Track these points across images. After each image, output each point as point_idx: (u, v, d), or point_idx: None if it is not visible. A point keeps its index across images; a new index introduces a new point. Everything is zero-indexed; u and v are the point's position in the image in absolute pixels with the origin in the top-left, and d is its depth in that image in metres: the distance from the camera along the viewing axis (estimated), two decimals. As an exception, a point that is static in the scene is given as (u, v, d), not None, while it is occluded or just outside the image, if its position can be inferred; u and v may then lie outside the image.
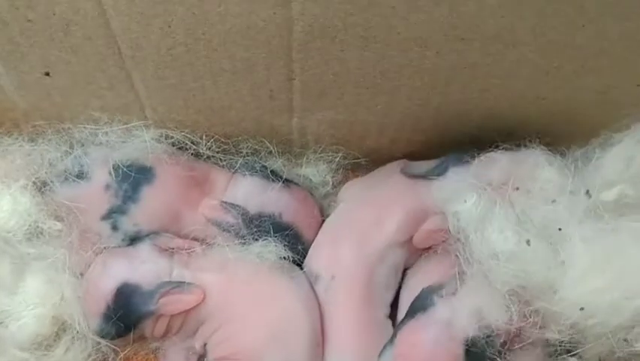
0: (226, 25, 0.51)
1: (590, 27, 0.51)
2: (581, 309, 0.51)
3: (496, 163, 0.58)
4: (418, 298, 0.57)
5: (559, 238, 0.53)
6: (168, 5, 0.50)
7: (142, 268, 0.59)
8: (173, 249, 0.61)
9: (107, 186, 0.61)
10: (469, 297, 0.55)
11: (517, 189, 0.56)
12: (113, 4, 0.50)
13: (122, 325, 0.58)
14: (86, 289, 0.59)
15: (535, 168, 0.57)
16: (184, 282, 0.58)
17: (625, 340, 0.51)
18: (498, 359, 0.53)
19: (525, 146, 0.59)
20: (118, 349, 0.61)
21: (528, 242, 0.53)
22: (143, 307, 0.57)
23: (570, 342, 0.54)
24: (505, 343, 0.54)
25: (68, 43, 0.53)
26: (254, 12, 0.50)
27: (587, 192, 0.55)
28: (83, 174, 0.61)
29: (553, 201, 0.55)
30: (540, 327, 0.53)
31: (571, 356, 0.55)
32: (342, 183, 0.70)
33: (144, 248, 0.60)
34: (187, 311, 0.59)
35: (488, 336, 0.53)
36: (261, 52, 0.54)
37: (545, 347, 0.56)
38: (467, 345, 0.53)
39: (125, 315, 0.58)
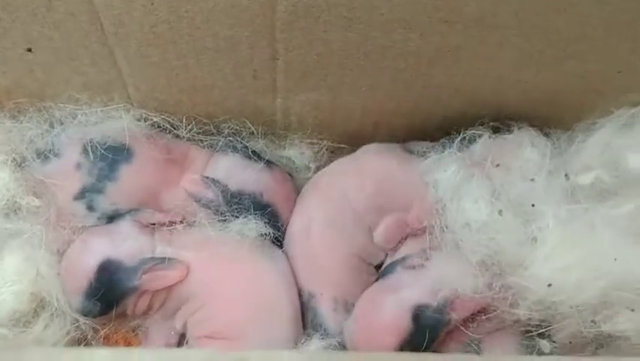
0: (209, 2, 0.51)
1: (572, 11, 0.51)
2: (549, 285, 0.52)
3: (480, 139, 0.59)
4: (386, 267, 0.61)
5: (532, 215, 0.54)
6: (151, -19, 0.50)
7: (124, 244, 0.59)
8: (154, 225, 0.61)
9: (78, 165, 0.60)
10: (434, 268, 0.57)
11: (498, 165, 0.57)
12: (96, -21, 0.50)
13: (104, 302, 0.58)
14: (67, 268, 0.59)
15: (518, 148, 0.58)
16: (167, 258, 0.58)
17: (593, 321, 0.52)
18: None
19: (511, 126, 0.60)
20: (98, 327, 0.61)
21: (500, 212, 0.54)
22: (127, 283, 0.57)
23: (540, 324, 0.55)
24: (473, 316, 0.56)
25: (51, 18, 0.53)
26: (237, -10, 0.50)
27: (566, 175, 0.56)
28: (53, 152, 0.61)
29: (532, 179, 0.56)
30: (510, 304, 0.54)
31: (542, 337, 0.56)
32: (323, 167, 0.70)
33: (125, 225, 0.60)
34: (169, 288, 0.59)
35: (442, 305, 0.55)
36: (244, 31, 0.54)
37: (517, 328, 0.57)
38: (416, 311, 0.55)
39: (108, 292, 0.57)
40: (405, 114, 0.64)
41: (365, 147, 0.66)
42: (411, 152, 0.64)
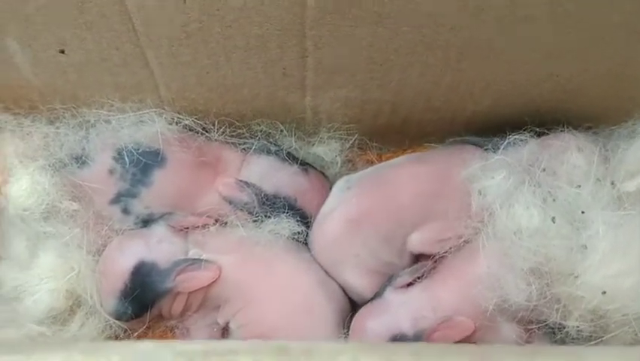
0: (240, 0, 0.51)
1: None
2: (603, 293, 0.51)
3: (526, 144, 0.59)
4: (380, 287, 0.60)
5: (582, 222, 0.54)
6: (183, -19, 0.50)
7: (158, 247, 0.60)
8: (187, 228, 0.62)
9: (111, 171, 0.62)
10: (425, 288, 0.58)
11: (544, 170, 0.57)
12: (128, -20, 0.50)
13: (139, 303, 0.59)
14: (103, 270, 0.60)
15: (564, 153, 0.58)
16: (200, 259, 0.59)
17: None
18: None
19: (555, 129, 0.60)
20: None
21: (553, 219, 0.53)
22: (161, 285, 0.58)
23: (591, 335, 0.54)
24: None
25: (83, 20, 0.54)
26: (268, -13, 0.50)
27: (612, 182, 0.56)
28: (88, 158, 0.62)
29: (579, 186, 0.56)
30: (561, 315, 0.54)
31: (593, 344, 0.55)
32: (351, 162, 0.70)
33: (159, 229, 0.61)
34: (205, 289, 0.60)
35: (418, 337, 0.56)
36: (274, 28, 0.54)
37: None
38: (393, 340, 0.56)
39: (143, 293, 0.58)
40: (435, 109, 0.64)
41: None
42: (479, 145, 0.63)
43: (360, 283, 0.62)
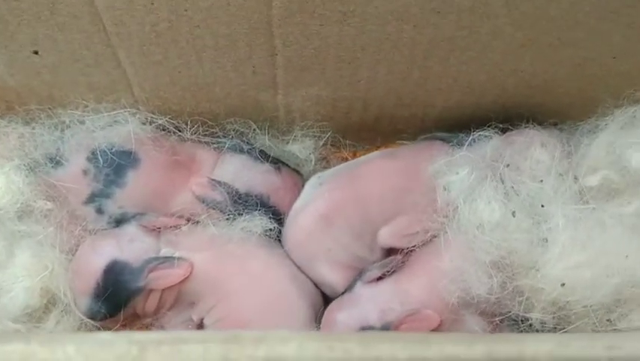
0: (207, 1, 0.52)
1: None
2: (562, 285, 0.52)
3: (490, 140, 0.60)
4: (351, 281, 0.61)
5: (542, 215, 0.55)
6: (150, -18, 0.51)
7: (129, 246, 0.60)
8: (159, 228, 0.62)
9: (85, 172, 0.62)
10: (395, 282, 0.59)
11: (508, 165, 0.57)
12: (96, -18, 0.51)
13: (112, 303, 0.59)
14: (75, 269, 0.60)
15: (528, 148, 0.58)
16: (172, 257, 0.60)
17: (608, 320, 0.52)
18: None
19: (520, 125, 0.61)
20: (108, 325, 0.62)
21: (513, 213, 0.54)
22: (133, 283, 0.59)
23: (555, 327, 0.55)
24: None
25: (55, 21, 0.55)
26: (233, -13, 0.51)
27: (575, 177, 0.57)
28: (62, 158, 0.62)
29: (541, 180, 0.56)
30: (524, 308, 0.55)
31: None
32: (325, 159, 0.71)
33: (130, 228, 0.62)
34: (178, 286, 0.60)
35: (384, 329, 0.57)
36: (242, 27, 0.55)
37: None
38: (363, 331, 0.57)
39: (116, 292, 0.59)
40: (405, 106, 0.65)
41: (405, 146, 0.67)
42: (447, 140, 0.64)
43: (332, 277, 0.63)
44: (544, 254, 0.54)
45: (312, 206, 0.64)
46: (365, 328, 0.57)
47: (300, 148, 0.70)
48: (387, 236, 0.63)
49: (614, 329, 0.53)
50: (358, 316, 0.58)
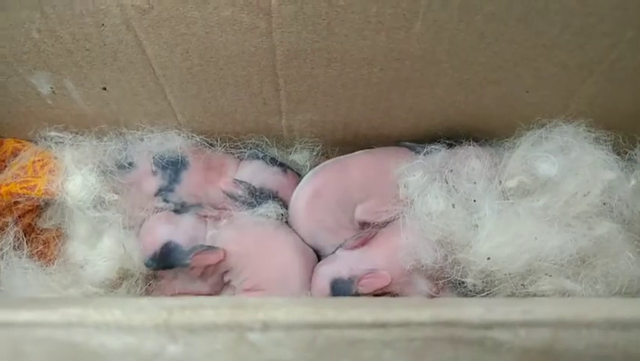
0: (227, 50, 0.50)
1: (489, 49, 0.49)
2: (488, 259, 0.50)
3: (439, 152, 0.58)
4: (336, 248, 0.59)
5: (474, 208, 0.53)
6: (185, 37, 0.48)
7: (184, 231, 0.58)
8: (207, 217, 0.60)
9: (154, 172, 0.60)
10: (366, 250, 0.57)
11: (451, 171, 0.56)
12: (146, 37, 0.48)
13: (164, 266, 0.57)
14: (142, 236, 0.58)
15: (466, 159, 0.56)
16: (212, 246, 0.57)
17: (522, 285, 0.51)
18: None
19: (461, 141, 0.59)
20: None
21: (453, 205, 0.52)
22: (180, 261, 0.57)
23: (483, 289, 0.53)
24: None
25: (117, 66, 0.52)
26: (247, 40, 0.48)
27: (499, 181, 0.55)
28: (132, 164, 0.60)
29: (474, 182, 0.55)
30: (460, 274, 0.53)
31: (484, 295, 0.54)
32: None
33: (188, 217, 0.59)
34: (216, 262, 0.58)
35: (351, 280, 0.55)
36: (254, 70, 0.52)
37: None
38: (333, 282, 0.56)
39: (167, 261, 0.57)
40: (375, 127, 0.62)
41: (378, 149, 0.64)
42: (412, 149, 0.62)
43: (326, 242, 0.61)
44: (475, 236, 0.52)
45: (308, 185, 0.61)
46: (336, 278, 0.56)
47: (299, 157, 0.67)
48: (361, 212, 0.60)
49: (527, 292, 0.51)
50: (333, 270, 0.57)
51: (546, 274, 0.51)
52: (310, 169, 0.66)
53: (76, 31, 0.48)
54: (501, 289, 0.52)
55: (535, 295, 0.52)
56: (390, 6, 0.45)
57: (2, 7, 0.46)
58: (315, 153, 0.67)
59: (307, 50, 0.49)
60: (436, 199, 0.53)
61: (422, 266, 0.53)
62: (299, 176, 0.66)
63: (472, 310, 0.31)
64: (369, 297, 0.55)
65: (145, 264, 0.57)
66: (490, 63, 0.51)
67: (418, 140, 0.62)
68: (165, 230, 0.57)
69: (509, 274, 0.51)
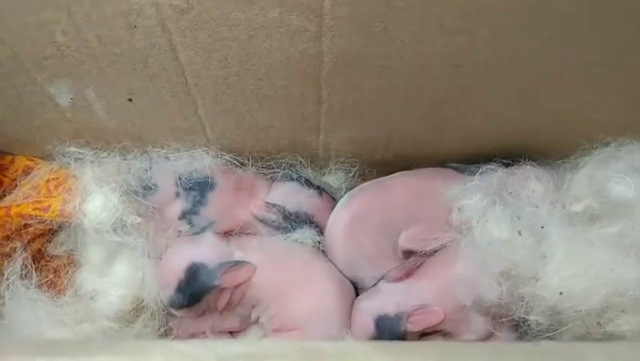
0: (271, 57, 0.45)
1: (555, 54, 0.44)
2: (561, 293, 0.45)
3: (496, 173, 0.52)
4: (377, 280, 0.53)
5: (541, 235, 0.47)
6: (225, 41, 0.44)
7: (206, 251, 0.52)
8: (230, 233, 0.54)
9: (177, 194, 0.55)
10: (405, 285, 0.51)
11: (510, 193, 0.50)
12: (181, 40, 0.44)
13: (191, 296, 0.51)
14: (162, 268, 0.52)
15: (525, 180, 0.51)
16: (240, 261, 0.52)
17: (598, 323, 0.45)
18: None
19: (518, 161, 0.54)
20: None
21: (520, 233, 0.47)
22: (209, 282, 0.50)
23: (548, 328, 0.47)
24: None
25: (147, 73, 0.47)
26: (293, 46, 0.44)
27: (563, 205, 0.50)
28: (154, 185, 0.54)
29: (536, 206, 0.49)
30: (525, 311, 0.47)
31: (548, 337, 0.48)
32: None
33: (207, 236, 0.54)
34: (244, 288, 0.52)
35: (399, 317, 0.49)
36: (297, 80, 0.47)
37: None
38: (377, 320, 0.50)
39: (194, 288, 0.50)
40: (419, 146, 0.57)
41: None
42: (459, 170, 0.56)
43: (366, 272, 0.54)
44: (544, 267, 0.46)
45: (346, 209, 0.56)
46: (382, 315, 0.50)
47: (333, 179, 0.62)
48: (406, 239, 0.54)
49: (604, 332, 0.45)
50: (377, 305, 0.51)
51: (623, 311, 0.45)
52: (346, 192, 0.60)
53: (105, 33, 0.43)
54: (571, 328, 0.47)
55: (612, 335, 0.45)
56: (454, 7, 0.40)
57: (24, 6, 0.42)
58: (350, 175, 0.61)
59: (358, 56, 0.44)
60: (499, 225, 0.47)
61: (484, 302, 0.47)
62: (334, 200, 0.60)
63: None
64: (476, 342, 0.49)
65: (169, 303, 0.51)
66: (554, 71, 0.46)
67: (463, 161, 0.56)
68: (185, 253, 0.52)
69: (583, 311, 0.45)
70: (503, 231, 0.47)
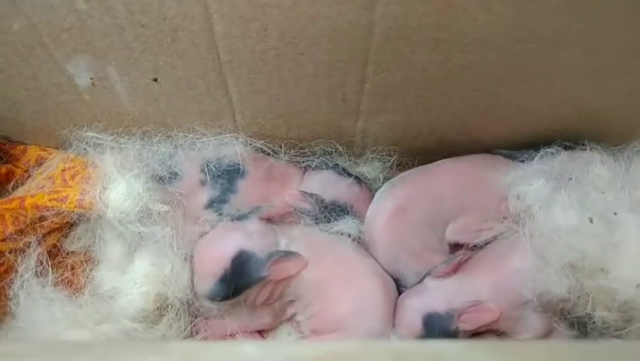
0: (315, 27, 0.40)
1: (635, 30, 0.39)
2: (637, 286, 0.40)
3: (557, 157, 0.48)
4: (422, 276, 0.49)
5: (614, 223, 0.43)
6: (266, 8, 0.39)
7: (255, 238, 0.47)
8: (274, 218, 0.50)
9: (202, 182, 0.50)
10: (454, 280, 0.47)
11: (572, 179, 0.46)
12: (218, 8, 0.39)
13: (234, 287, 0.46)
14: (202, 255, 0.47)
15: (589, 164, 0.47)
16: (292, 251, 0.47)
17: None
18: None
19: (578, 144, 0.49)
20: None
21: (591, 220, 0.42)
22: (256, 273, 0.45)
23: (616, 325, 0.42)
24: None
25: (175, 48, 0.42)
26: (341, 14, 0.39)
27: (629, 191, 0.45)
28: (178, 172, 0.50)
29: (603, 192, 0.45)
30: (591, 306, 0.42)
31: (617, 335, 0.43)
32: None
33: (252, 222, 0.48)
34: (287, 282, 0.47)
35: (448, 315, 0.45)
36: (341, 54, 0.43)
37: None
38: (425, 318, 0.46)
39: (240, 279, 0.46)
40: (467, 132, 0.52)
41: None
42: (509, 157, 0.52)
43: (411, 267, 0.50)
44: (616, 258, 0.42)
45: (388, 199, 0.51)
46: (431, 313, 0.46)
47: (369, 169, 0.57)
48: (454, 231, 0.50)
49: None
50: (425, 302, 0.46)
51: None
52: (382, 183, 0.55)
53: (133, 0, 0.38)
54: (640, 328, 0.42)
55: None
56: (526, -31, 0.36)
57: (43, -30, 0.37)
58: (388, 165, 0.57)
59: (414, 27, 0.39)
60: (566, 212, 0.43)
61: (549, 296, 0.42)
62: (370, 191, 0.55)
63: None
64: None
65: (209, 295, 0.46)
66: (630, 49, 0.41)
67: (513, 149, 0.52)
68: (231, 239, 0.47)
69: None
70: (571, 218, 0.42)
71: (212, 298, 0.46)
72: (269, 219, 0.49)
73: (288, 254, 0.46)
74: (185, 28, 0.40)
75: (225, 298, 0.46)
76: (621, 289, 0.41)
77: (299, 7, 0.38)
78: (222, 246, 0.46)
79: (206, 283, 0.46)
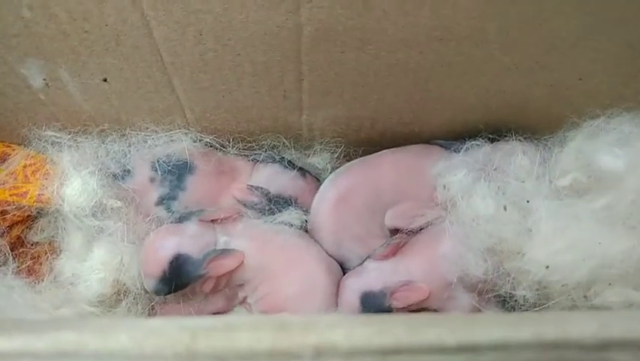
0: (247, 31, 0.43)
1: (546, 25, 0.42)
2: (547, 267, 0.43)
3: (481, 148, 0.51)
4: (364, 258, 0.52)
5: (527, 210, 0.46)
6: (199, 14, 0.41)
7: (191, 241, 0.50)
8: (215, 220, 0.52)
9: (152, 179, 0.53)
10: (397, 261, 0.50)
11: (496, 169, 0.49)
12: (154, 15, 0.41)
13: (175, 286, 0.49)
14: (145, 258, 0.50)
15: (511, 155, 0.49)
16: (227, 249, 0.50)
17: (585, 296, 0.44)
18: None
19: (504, 136, 0.52)
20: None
21: (505, 208, 0.45)
22: (194, 273, 0.49)
23: (536, 303, 0.46)
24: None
25: (120, 51, 0.45)
26: (270, 18, 0.42)
27: (550, 179, 0.48)
28: (127, 172, 0.53)
29: (523, 181, 0.48)
30: (511, 286, 0.46)
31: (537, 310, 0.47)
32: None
33: (191, 224, 0.51)
34: (231, 272, 0.50)
35: (382, 293, 0.48)
36: (276, 55, 0.45)
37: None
38: (363, 296, 0.49)
39: (179, 279, 0.49)
40: (406, 124, 0.55)
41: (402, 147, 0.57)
42: (445, 147, 0.55)
43: (353, 252, 0.53)
44: (529, 241, 0.45)
45: (332, 188, 0.54)
46: (367, 292, 0.49)
47: (318, 160, 0.60)
48: (391, 217, 0.53)
49: (591, 305, 0.44)
50: (363, 282, 0.50)
51: (610, 284, 0.44)
52: (330, 173, 0.58)
53: (74, 8, 0.41)
54: (559, 303, 0.45)
55: (600, 308, 0.44)
56: (437, -25, 0.38)
57: (-13, -19, 0.39)
58: (336, 156, 0.59)
59: (339, 29, 0.42)
60: (484, 201, 0.46)
61: (471, 278, 0.46)
62: (318, 181, 0.58)
63: (584, 326, 0.24)
64: (451, 313, 0.47)
65: (154, 292, 0.49)
66: (545, 44, 0.44)
67: (451, 139, 0.55)
68: (169, 243, 0.50)
69: (569, 285, 0.44)
70: (488, 206, 0.45)
71: (157, 293, 0.49)
72: (211, 221, 0.52)
73: (224, 252, 0.49)
74: (127, 34, 0.43)
75: (168, 293, 0.49)
76: (533, 270, 0.44)
77: (229, 13, 0.41)
78: (161, 250, 0.49)
79: (149, 281, 0.49)
